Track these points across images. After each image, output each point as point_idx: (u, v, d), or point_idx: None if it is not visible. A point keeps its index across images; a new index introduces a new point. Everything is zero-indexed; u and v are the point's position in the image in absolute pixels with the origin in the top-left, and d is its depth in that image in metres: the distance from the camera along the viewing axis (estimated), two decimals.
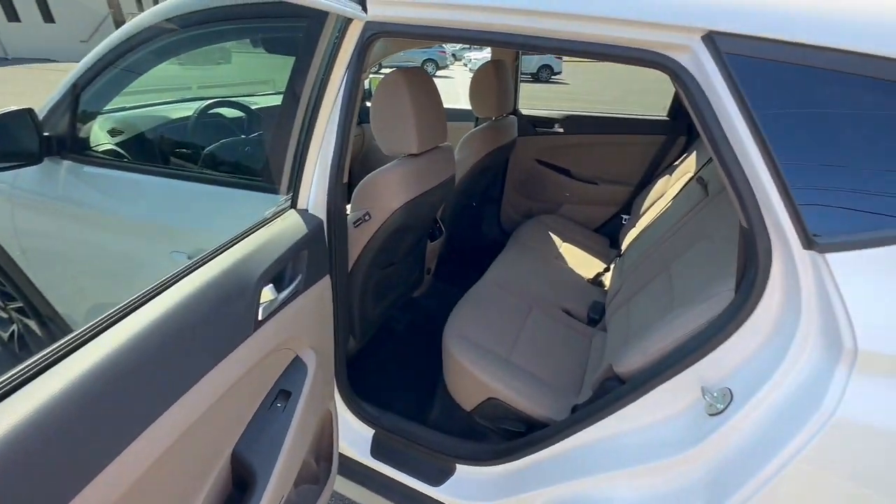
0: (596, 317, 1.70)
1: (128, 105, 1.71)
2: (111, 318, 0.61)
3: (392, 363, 1.81)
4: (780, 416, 0.72)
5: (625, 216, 2.36)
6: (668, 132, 2.22)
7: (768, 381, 0.75)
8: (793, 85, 0.70)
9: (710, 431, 0.81)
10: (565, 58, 16.76)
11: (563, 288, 1.83)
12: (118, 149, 1.49)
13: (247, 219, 0.87)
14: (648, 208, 2.13)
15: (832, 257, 0.68)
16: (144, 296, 0.65)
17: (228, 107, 1.75)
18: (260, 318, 0.71)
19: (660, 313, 1.22)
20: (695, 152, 2.01)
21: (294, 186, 0.95)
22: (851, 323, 0.66)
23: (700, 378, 0.87)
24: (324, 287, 0.99)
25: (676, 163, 2.14)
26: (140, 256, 1.21)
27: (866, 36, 0.65)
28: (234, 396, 0.69)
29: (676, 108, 2.23)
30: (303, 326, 0.88)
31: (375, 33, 0.96)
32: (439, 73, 15.82)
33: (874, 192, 0.66)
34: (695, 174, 1.75)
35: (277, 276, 0.79)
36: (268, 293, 0.73)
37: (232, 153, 1.46)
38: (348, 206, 1.36)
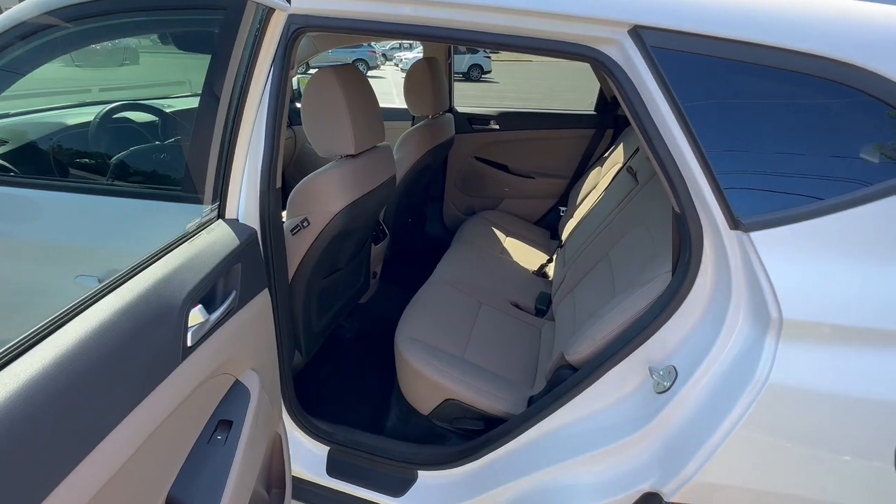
0: (543, 307, 1.74)
1: (11, 111, 1.48)
2: (1, 359, 0.51)
3: (343, 374, 1.74)
4: (720, 387, 0.77)
5: (562, 208, 2.44)
6: (596, 126, 2.33)
7: (707, 355, 0.80)
8: (714, 76, 0.74)
9: (659, 409, 0.84)
10: (494, 57, 17.19)
11: (509, 282, 1.85)
12: (2, 161, 1.29)
13: (168, 233, 0.78)
14: (584, 199, 2.22)
15: (756, 235, 0.73)
16: (44, 329, 0.55)
17: (137, 110, 1.58)
18: (189, 343, 0.64)
19: (604, 299, 1.27)
20: (622, 144, 2.13)
21: (220, 195, 0.86)
22: (776, 294, 0.71)
23: (647, 359, 0.91)
24: (263, 302, 0.91)
25: (606, 154, 2.25)
26: (38, 284, 1.05)
27: (774, 30, 0.71)
28: (164, 435, 0.61)
29: (602, 103, 2.35)
30: (241, 347, 0.81)
31: (301, 27, 0.90)
32: (370, 73, 15.57)
33: (788, 173, 0.72)
34: (624, 164, 1.84)
35: (207, 296, 0.71)
36: (197, 315, 0.65)
37: (146, 161, 1.32)
38: (284, 214, 1.27)
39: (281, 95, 0.95)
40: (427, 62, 1.86)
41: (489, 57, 16.58)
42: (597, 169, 2.24)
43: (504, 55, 22.36)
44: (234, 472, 0.68)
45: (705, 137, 0.75)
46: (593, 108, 2.42)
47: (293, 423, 1.23)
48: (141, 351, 0.58)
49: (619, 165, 2.01)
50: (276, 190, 1.01)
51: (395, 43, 20.23)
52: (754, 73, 0.72)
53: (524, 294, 1.79)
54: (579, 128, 2.38)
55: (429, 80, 1.84)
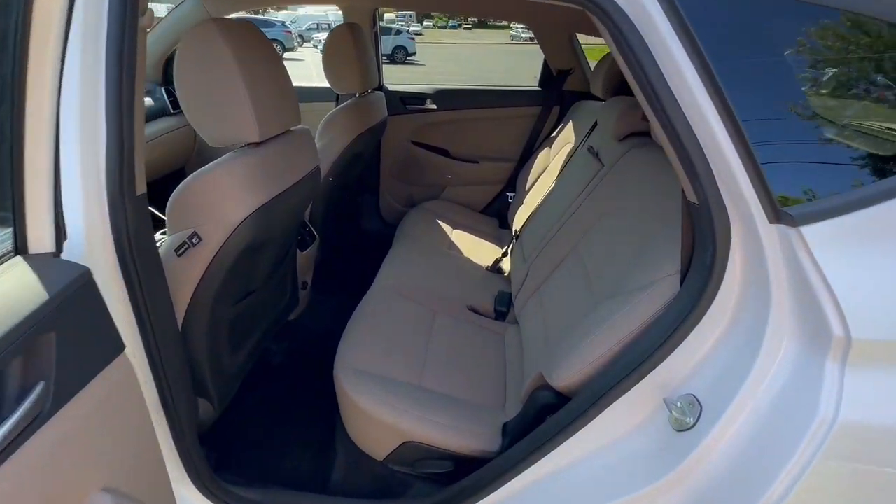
0: (503, 309, 1.54)
1: None
2: None
3: (272, 413, 1.43)
4: (768, 427, 0.60)
5: (510, 193, 2.26)
6: (542, 102, 2.16)
7: (743, 384, 0.63)
8: (755, 18, 0.54)
9: (684, 452, 0.66)
10: (418, 39, 16.73)
11: (463, 282, 1.63)
12: None
13: None
14: (533, 183, 2.05)
15: (808, 230, 0.56)
16: None
17: None
18: None
19: (581, 303, 1.09)
20: (570, 121, 1.97)
21: (16, 216, 0.53)
22: (840, 307, 0.54)
23: (658, 386, 0.72)
24: (117, 374, 0.59)
25: (554, 134, 2.09)
26: None
27: None
28: None
29: (547, 77, 2.17)
30: (74, 466, 0.50)
31: None
32: (286, 55, 14.41)
33: (853, 144, 0.55)
34: (579, 144, 1.67)
35: None
36: None
37: None
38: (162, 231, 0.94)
39: (127, 58, 0.63)
40: (349, 28, 1.55)
41: (413, 39, 16.12)
42: (545, 150, 2.08)
43: (427, 37, 21.93)
44: None
45: (740, 101, 0.56)
46: (538, 84, 2.24)
47: (208, 501, 0.93)
48: None
49: (571, 145, 1.85)
50: (139, 198, 0.69)
51: (312, 23, 18.92)
52: (807, 13, 0.53)
53: (481, 295, 1.58)
54: (524, 105, 2.19)
55: (352, 49, 1.53)
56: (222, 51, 0.83)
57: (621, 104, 1.35)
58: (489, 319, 1.50)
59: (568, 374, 0.87)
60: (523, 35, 22.89)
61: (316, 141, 1.63)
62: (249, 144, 0.93)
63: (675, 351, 0.70)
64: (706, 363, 0.69)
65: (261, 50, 0.90)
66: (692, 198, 0.66)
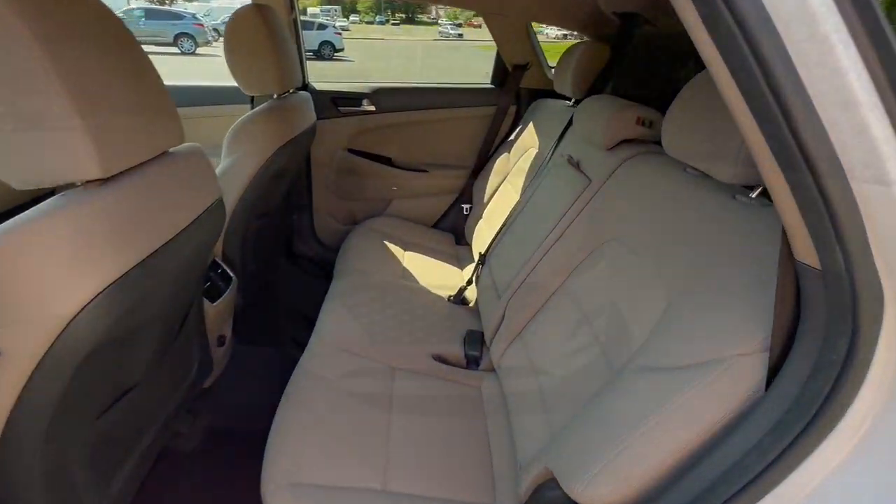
0: (475, 353, 1.28)
1: None
2: None
3: None
4: None
5: (465, 205, 2.00)
6: (496, 101, 1.91)
7: None
8: None
9: None
10: (345, 35, 16.04)
11: (424, 322, 1.35)
12: None
13: None
14: (493, 193, 1.81)
15: None
16: None
17: None
18: None
19: (589, 365, 0.85)
20: (530, 122, 1.75)
21: None
22: None
23: None
24: None
25: (512, 138, 1.86)
26: None
27: None
28: None
29: (501, 73, 1.93)
30: None
31: None
32: (200, 50, 13.09)
33: None
34: (549, 151, 1.44)
35: None
36: None
37: None
38: None
39: None
40: (257, 10, 1.20)
41: (340, 34, 15.43)
42: (503, 155, 1.84)
43: (355, 32, 21.19)
44: None
45: None
46: (490, 80, 1.99)
47: None
48: None
49: (536, 150, 1.62)
50: None
51: (227, 16, 17.44)
52: None
53: (447, 337, 1.31)
54: (476, 105, 1.94)
55: (264, 38, 1.18)
56: (13, 30, 0.47)
57: (605, 105, 1.13)
58: (461, 370, 1.23)
59: (599, 492, 0.62)
60: (451, 32, 22.98)
61: (223, 156, 1.26)
62: (88, 183, 0.58)
63: (783, 483, 0.47)
64: (825, 493, 0.47)
65: (90, 24, 0.55)
66: (809, 260, 0.43)
